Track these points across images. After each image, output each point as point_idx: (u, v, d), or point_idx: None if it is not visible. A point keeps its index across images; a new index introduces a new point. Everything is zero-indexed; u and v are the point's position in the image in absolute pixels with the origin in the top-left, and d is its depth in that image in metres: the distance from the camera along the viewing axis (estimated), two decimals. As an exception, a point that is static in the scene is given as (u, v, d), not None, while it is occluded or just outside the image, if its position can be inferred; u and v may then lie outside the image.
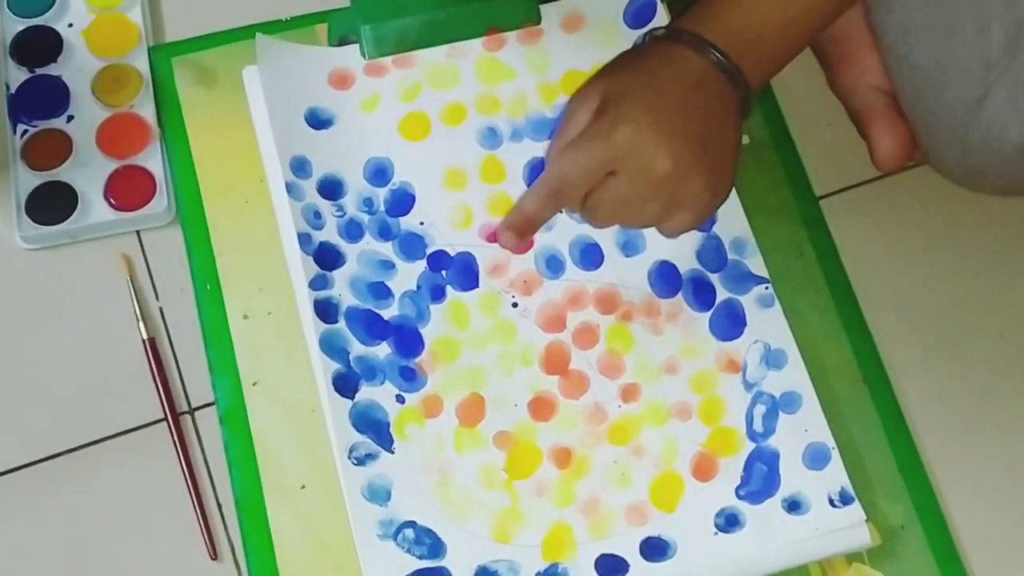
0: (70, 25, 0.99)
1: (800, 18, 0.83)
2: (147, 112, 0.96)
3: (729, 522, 0.85)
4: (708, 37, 0.80)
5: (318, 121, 0.94)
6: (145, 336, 0.91)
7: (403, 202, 0.93)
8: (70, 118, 0.96)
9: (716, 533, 0.85)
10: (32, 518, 0.87)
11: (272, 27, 0.99)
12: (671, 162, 0.77)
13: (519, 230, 0.81)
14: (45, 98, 0.97)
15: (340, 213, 0.92)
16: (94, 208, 0.94)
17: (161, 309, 0.93)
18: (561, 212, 0.89)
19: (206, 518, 0.87)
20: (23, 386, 0.91)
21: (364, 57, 0.97)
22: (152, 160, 0.95)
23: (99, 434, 0.89)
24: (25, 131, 0.96)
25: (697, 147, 0.78)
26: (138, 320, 0.92)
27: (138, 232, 0.94)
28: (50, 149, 0.95)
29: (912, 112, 0.88)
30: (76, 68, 0.98)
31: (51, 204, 0.94)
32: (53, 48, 0.98)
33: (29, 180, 0.94)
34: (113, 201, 0.94)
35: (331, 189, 0.93)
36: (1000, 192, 0.89)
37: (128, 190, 0.94)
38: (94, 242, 0.94)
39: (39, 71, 0.98)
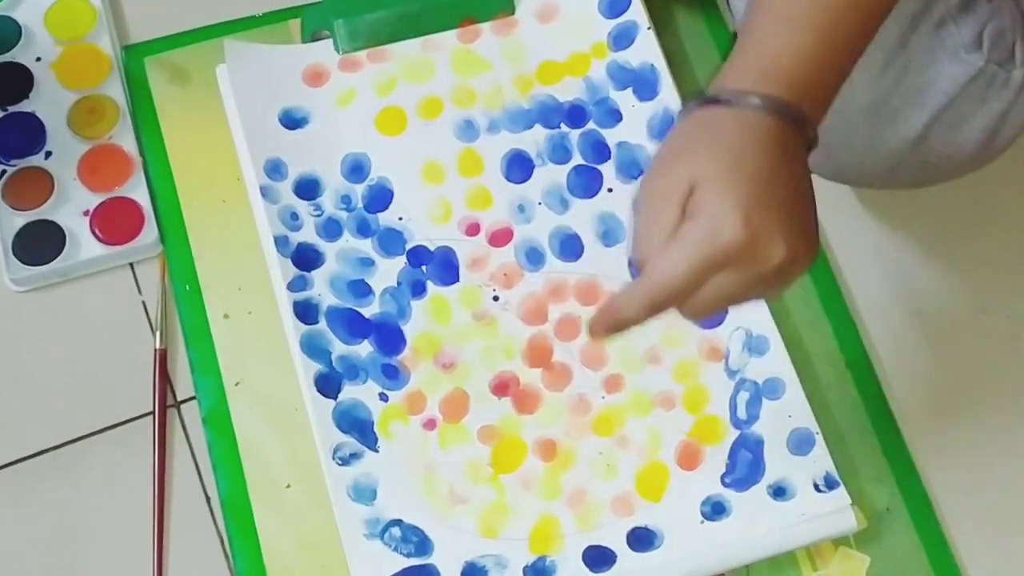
0: (38, 59, 0.98)
1: (850, 37, 0.75)
2: (127, 142, 0.95)
3: (715, 510, 0.85)
4: (772, 91, 0.73)
5: (292, 121, 0.94)
6: (158, 346, 0.91)
7: (381, 198, 0.93)
8: (48, 154, 0.95)
9: (702, 521, 0.85)
10: (20, 515, 0.87)
11: (245, 24, 0.98)
12: (783, 246, 0.70)
13: (610, 329, 0.73)
14: (20, 136, 0.95)
15: (318, 212, 0.92)
16: (83, 244, 0.92)
17: (144, 303, 0.93)
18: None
19: (161, 536, 0.87)
20: (7, 384, 0.91)
21: (338, 52, 0.96)
22: (137, 190, 0.94)
23: (85, 430, 0.89)
24: (3, 171, 0.94)
25: (798, 218, 0.72)
26: (154, 332, 0.91)
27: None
28: (31, 188, 0.93)
29: None
30: (49, 103, 0.96)
31: (38, 244, 0.92)
32: (24, 84, 0.96)
33: (12, 221, 0.93)
34: (101, 235, 0.92)
35: (308, 189, 0.92)
36: None
37: (116, 223, 0.93)
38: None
39: (11, 109, 0.96)
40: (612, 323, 0.72)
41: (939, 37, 0.85)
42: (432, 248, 0.92)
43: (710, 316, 0.72)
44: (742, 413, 0.88)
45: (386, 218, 0.92)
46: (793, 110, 0.73)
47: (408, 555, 0.83)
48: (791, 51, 0.74)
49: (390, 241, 0.92)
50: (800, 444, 0.87)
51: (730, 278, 0.70)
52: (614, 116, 0.96)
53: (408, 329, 0.89)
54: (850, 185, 0.98)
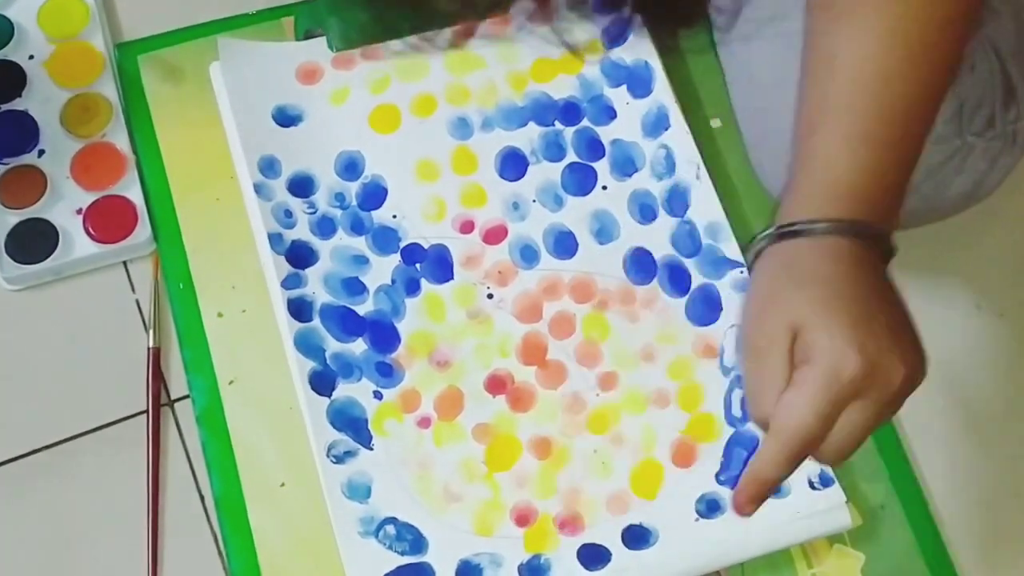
0: (31, 57, 0.97)
1: (901, 157, 0.76)
2: (120, 140, 0.95)
3: (710, 507, 0.85)
4: (842, 213, 0.73)
5: (286, 118, 0.94)
6: (152, 345, 0.91)
7: (375, 195, 0.93)
8: (41, 152, 0.94)
9: (697, 519, 0.85)
10: (13, 514, 0.87)
11: (238, 21, 0.98)
12: (903, 363, 0.70)
13: (761, 498, 0.74)
14: (13, 134, 0.95)
15: (312, 210, 0.92)
16: (76, 243, 0.92)
17: (137, 301, 0.93)
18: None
19: (156, 533, 0.87)
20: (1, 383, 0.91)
21: (331, 50, 0.96)
22: (131, 189, 0.94)
23: (78, 429, 0.89)
24: None
25: (904, 333, 0.72)
26: (147, 330, 0.91)
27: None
28: (24, 186, 0.93)
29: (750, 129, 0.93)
30: (42, 101, 0.96)
31: (32, 242, 0.92)
32: (16, 82, 0.96)
33: (5, 219, 0.93)
34: (94, 233, 0.92)
35: (301, 186, 0.92)
36: None
37: (109, 221, 0.92)
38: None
39: (4, 107, 0.96)
40: (760, 491, 0.73)
41: None
42: (426, 246, 0.92)
43: (849, 455, 0.72)
44: (737, 411, 0.88)
45: (380, 216, 0.92)
46: (867, 228, 0.72)
47: (402, 553, 0.83)
48: (855, 168, 0.73)
49: (384, 239, 0.92)
50: (795, 442, 0.87)
51: (859, 410, 0.69)
52: (608, 113, 0.96)
53: (402, 327, 0.89)
54: None
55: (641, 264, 0.92)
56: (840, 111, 0.75)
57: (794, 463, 0.71)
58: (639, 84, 0.96)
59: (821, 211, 0.73)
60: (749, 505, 0.74)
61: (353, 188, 0.93)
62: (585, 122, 0.96)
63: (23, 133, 0.95)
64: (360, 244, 0.91)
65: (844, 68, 0.75)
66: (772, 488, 0.73)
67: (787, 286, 0.73)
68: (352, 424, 0.86)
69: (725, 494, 0.85)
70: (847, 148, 0.74)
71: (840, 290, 0.71)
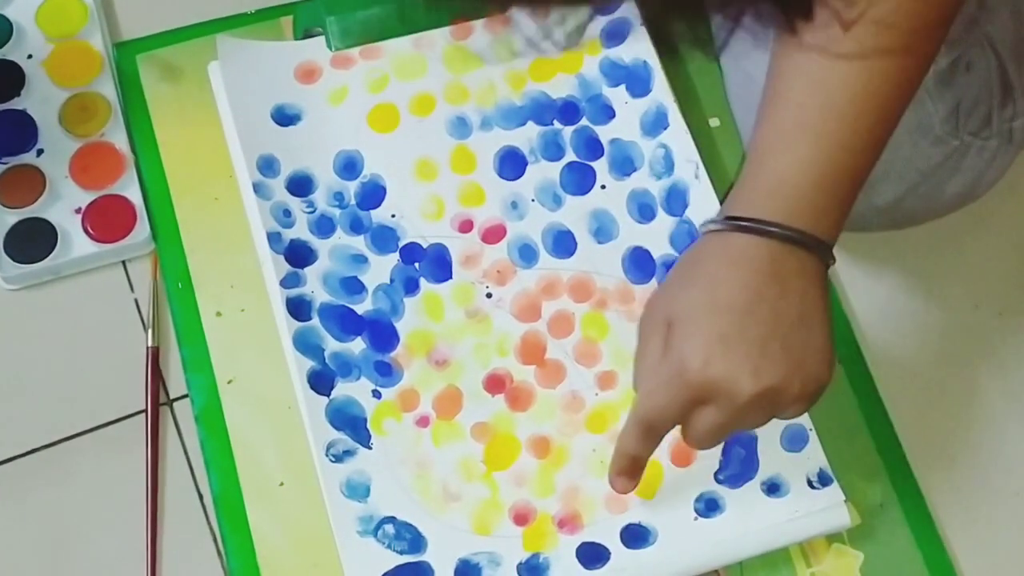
0: (29, 56, 0.97)
1: (845, 153, 0.74)
2: (119, 140, 0.95)
3: (709, 507, 0.85)
4: (768, 216, 0.73)
5: (285, 117, 0.94)
6: (150, 344, 0.91)
7: (374, 195, 0.93)
8: (40, 152, 0.94)
9: (696, 518, 0.85)
10: (12, 514, 0.87)
11: (237, 21, 0.98)
12: (753, 381, 0.71)
13: (629, 472, 0.78)
14: (12, 133, 0.95)
15: (310, 209, 0.92)
16: (75, 242, 0.92)
17: (136, 300, 0.93)
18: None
19: (155, 535, 0.87)
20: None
21: (330, 49, 0.96)
22: (129, 188, 0.94)
23: (77, 428, 0.89)
24: None
25: (778, 348, 0.71)
26: (146, 330, 0.91)
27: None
28: (23, 185, 0.93)
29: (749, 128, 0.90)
30: (41, 100, 0.96)
31: (30, 242, 0.92)
32: (15, 81, 0.96)
33: (4, 219, 0.93)
34: (93, 233, 0.92)
35: (300, 186, 0.92)
36: None
37: (108, 221, 0.92)
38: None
39: (3, 106, 0.96)
40: (625, 465, 0.77)
41: (915, 115, 0.84)
42: (425, 245, 0.92)
43: (707, 447, 0.76)
44: (735, 410, 0.88)
45: (379, 215, 0.92)
46: (791, 232, 0.72)
47: (401, 552, 0.83)
48: (794, 166, 0.73)
49: (383, 238, 0.92)
50: (793, 441, 0.87)
51: (710, 412, 0.73)
52: (607, 113, 0.96)
53: (401, 326, 0.89)
54: None
55: (640, 263, 0.92)
56: (790, 104, 0.75)
57: (647, 441, 0.75)
58: (638, 83, 0.96)
59: (751, 209, 0.73)
60: (619, 479, 0.78)
61: (352, 187, 0.93)
62: (584, 121, 0.96)
63: (22, 132, 0.95)
64: (359, 243, 0.91)
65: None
66: (635, 461, 0.76)
67: (682, 280, 0.75)
68: (351, 423, 0.86)
69: (724, 493, 0.85)
70: (786, 141, 0.74)
71: (719, 298, 0.72)
